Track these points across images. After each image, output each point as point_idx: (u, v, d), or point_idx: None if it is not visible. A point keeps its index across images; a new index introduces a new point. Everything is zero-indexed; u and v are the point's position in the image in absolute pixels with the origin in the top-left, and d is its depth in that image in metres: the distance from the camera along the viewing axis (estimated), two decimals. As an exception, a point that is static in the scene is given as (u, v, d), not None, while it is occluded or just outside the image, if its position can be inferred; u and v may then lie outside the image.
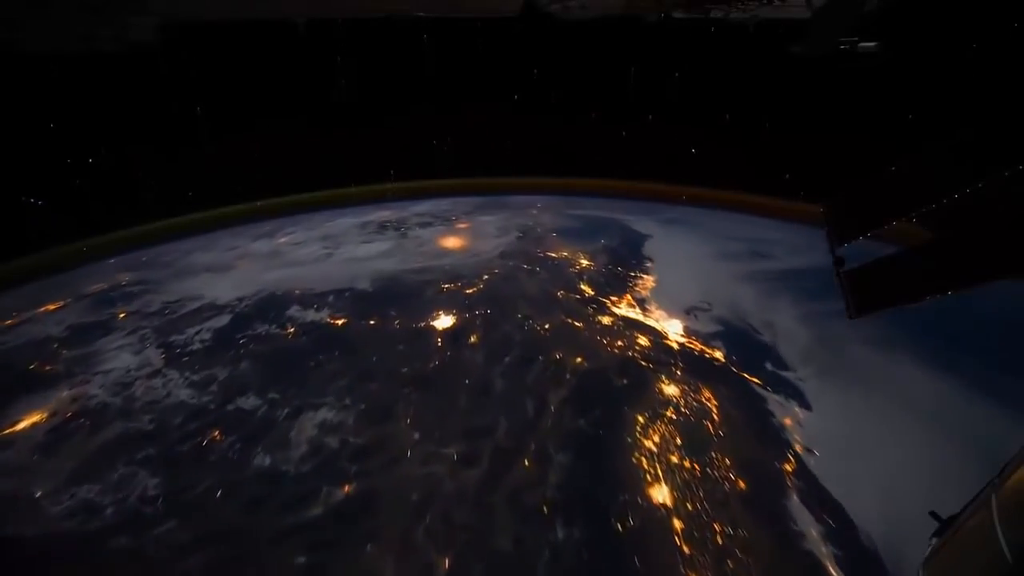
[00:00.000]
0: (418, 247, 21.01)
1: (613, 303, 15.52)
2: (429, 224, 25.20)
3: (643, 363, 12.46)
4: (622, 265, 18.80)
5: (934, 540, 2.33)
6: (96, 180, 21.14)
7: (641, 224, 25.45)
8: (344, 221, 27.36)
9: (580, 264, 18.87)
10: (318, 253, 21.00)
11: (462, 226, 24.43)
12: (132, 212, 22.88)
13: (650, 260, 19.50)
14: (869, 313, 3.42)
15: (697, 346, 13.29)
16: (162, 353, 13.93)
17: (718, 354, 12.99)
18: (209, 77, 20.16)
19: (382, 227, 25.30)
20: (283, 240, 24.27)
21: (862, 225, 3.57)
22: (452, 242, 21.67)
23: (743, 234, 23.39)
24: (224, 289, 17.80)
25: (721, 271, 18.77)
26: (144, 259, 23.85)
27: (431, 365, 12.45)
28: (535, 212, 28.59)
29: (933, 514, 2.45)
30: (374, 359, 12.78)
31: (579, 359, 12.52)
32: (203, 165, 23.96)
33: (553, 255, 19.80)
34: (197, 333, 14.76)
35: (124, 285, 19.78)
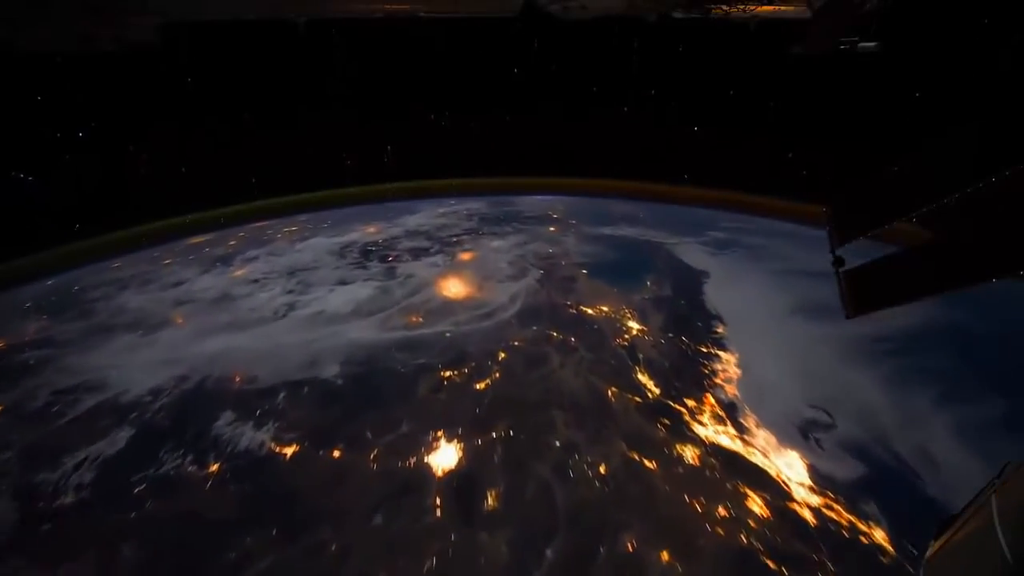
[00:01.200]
0: (408, 296, 15.95)
1: (692, 414, 10.64)
2: (424, 252, 20.06)
3: (770, 562, 7.66)
4: (686, 331, 13.83)
5: (934, 540, 2.29)
6: (66, 184, 19.29)
7: (688, 251, 20.41)
8: (320, 242, 22.29)
9: (629, 330, 13.89)
10: (277, 303, 15.93)
11: (465, 257, 19.31)
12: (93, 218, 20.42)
13: (720, 320, 14.52)
14: (866, 313, 3.40)
15: (843, 515, 8.47)
16: (15, 511, 9.09)
17: (879, 535, 8.18)
18: (205, 76, 19.41)
19: (364, 254, 20.20)
20: (240, 273, 19.20)
21: (863, 225, 3.52)
22: (453, 287, 16.61)
23: (816, 264, 18.36)
24: (140, 370, 12.87)
25: (818, 340, 13.85)
26: (76, 288, 19.05)
27: (425, 567, 7.62)
28: (553, 230, 23.47)
29: None
30: (332, 547, 7.94)
31: (665, 554, 7.71)
32: (182, 167, 21.79)
33: (590, 312, 14.79)
34: (78, 468, 9.89)
35: (26, 343, 14.91)
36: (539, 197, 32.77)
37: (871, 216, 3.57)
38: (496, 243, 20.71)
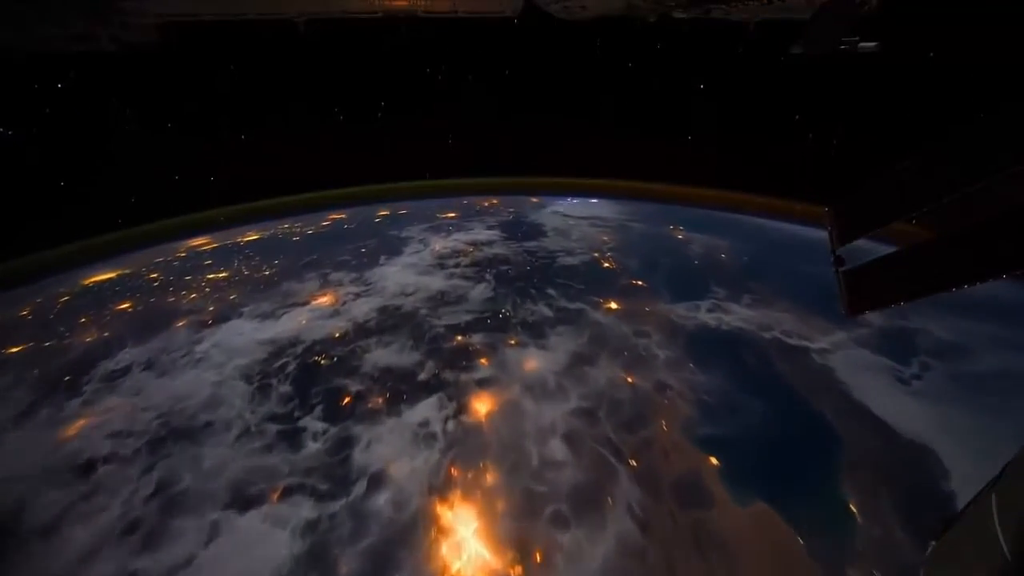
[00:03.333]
0: None
1: None
2: (407, 383, 11.63)
3: None
4: None
5: (934, 541, 2.28)
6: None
7: (857, 373, 11.95)
8: (237, 333, 13.85)
9: None
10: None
11: (480, 409, 10.68)
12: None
13: None
14: (864, 312, 3.46)
15: None
16: None
17: None
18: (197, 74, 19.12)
19: (301, 386, 11.75)
20: (76, 430, 11.29)
21: (864, 225, 3.54)
22: (466, 547, 7.89)
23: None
24: None
25: None
26: None
27: None
28: (617, 307, 14.76)
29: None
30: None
31: None
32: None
33: None
34: None
35: None
36: (569, 203, 24.38)
37: (872, 216, 3.47)
38: (533, 360, 12.05)
